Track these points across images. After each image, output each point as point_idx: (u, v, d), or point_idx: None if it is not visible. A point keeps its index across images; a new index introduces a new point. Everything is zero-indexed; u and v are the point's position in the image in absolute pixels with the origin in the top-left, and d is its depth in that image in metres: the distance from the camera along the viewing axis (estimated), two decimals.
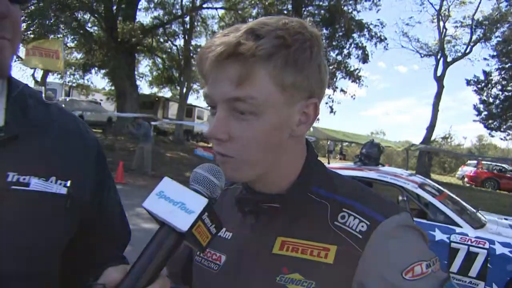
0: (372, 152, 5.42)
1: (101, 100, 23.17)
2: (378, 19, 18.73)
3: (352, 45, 18.24)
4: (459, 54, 21.75)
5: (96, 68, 20.08)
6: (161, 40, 21.63)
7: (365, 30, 17.83)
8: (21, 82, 0.79)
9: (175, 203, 0.55)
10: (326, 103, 19.40)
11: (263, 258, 0.70)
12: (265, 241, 0.71)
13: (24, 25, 16.91)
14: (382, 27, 18.37)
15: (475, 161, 21.04)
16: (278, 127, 0.65)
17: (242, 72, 0.61)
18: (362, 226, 0.66)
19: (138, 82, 21.65)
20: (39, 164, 0.72)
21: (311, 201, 0.71)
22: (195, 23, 20.67)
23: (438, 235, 4.25)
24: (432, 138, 21.76)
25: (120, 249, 0.92)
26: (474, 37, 21.12)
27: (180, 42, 21.72)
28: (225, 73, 0.62)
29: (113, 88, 21.76)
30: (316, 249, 0.67)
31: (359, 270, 0.64)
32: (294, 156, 0.72)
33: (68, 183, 0.74)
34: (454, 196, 5.20)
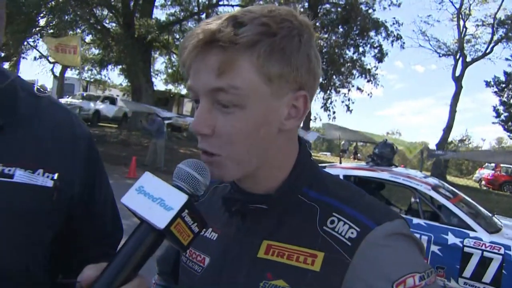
0: (384, 152, 5.32)
1: (117, 95, 23.49)
2: (394, 18, 18.32)
3: (368, 44, 18.06)
4: (479, 53, 21.27)
5: (113, 64, 20.35)
6: (177, 36, 21.78)
7: (382, 28, 17.61)
8: (12, 73, 0.79)
9: (154, 199, 0.53)
10: (342, 101, 19.28)
11: (247, 261, 0.66)
12: (250, 244, 0.67)
13: (44, 21, 17.27)
14: (399, 26, 18.10)
15: (493, 164, 20.53)
16: (265, 121, 0.61)
17: (223, 60, 0.57)
18: (352, 233, 0.62)
19: (153, 79, 21.90)
20: (26, 156, 0.70)
21: (300, 203, 0.67)
22: None
23: (451, 239, 4.14)
24: (449, 139, 21.31)
25: (112, 247, 0.88)
26: (495, 37, 20.61)
27: None
28: (205, 63, 0.58)
29: (129, 84, 22.03)
30: (303, 255, 0.63)
31: (347, 280, 0.60)
32: (284, 154, 0.68)
33: (55, 176, 0.73)
34: (469, 199, 5.07)
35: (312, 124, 21.14)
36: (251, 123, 0.60)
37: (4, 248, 0.67)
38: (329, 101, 19.04)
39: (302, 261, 0.62)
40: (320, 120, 20.11)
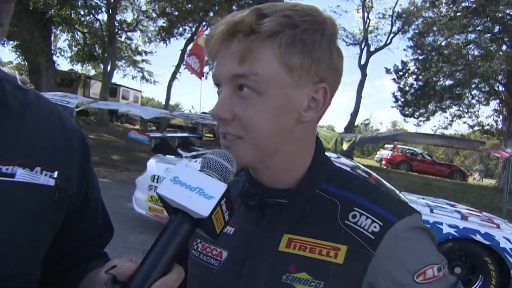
0: None
1: None
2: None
3: None
4: (381, 44, 23.19)
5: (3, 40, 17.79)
6: (82, 12, 19.86)
7: None
8: None
9: (192, 189, 0.53)
10: None
11: (268, 255, 0.67)
12: (271, 238, 0.68)
13: None
14: None
15: (391, 145, 22.81)
16: (283, 109, 0.63)
17: (244, 48, 0.60)
18: (375, 227, 0.64)
19: (55, 58, 19.80)
20: (22, 153, 0.65)
21: (319, 198, 0.69)
22: None
23: None
24: (355, 123, 23.07)
25: (101, 247, 0.88)
26: (394, 29, 22.64)
27: (103, 16, 20.16)
28: (229, 51, 0.62)
29: (23, 62, 19.60)
30: (326, 249, 0.64)
31: (370, 272, 0.62)
32: (303, 148, 0.70)
33: (55, 174, 0.69)
34: (380, 178, 5.48)
35: None
36: (270, 110, 0.62)
37: (7, 251, 0.63)
38: None
39: (325, 254, 0.64)
40: None
